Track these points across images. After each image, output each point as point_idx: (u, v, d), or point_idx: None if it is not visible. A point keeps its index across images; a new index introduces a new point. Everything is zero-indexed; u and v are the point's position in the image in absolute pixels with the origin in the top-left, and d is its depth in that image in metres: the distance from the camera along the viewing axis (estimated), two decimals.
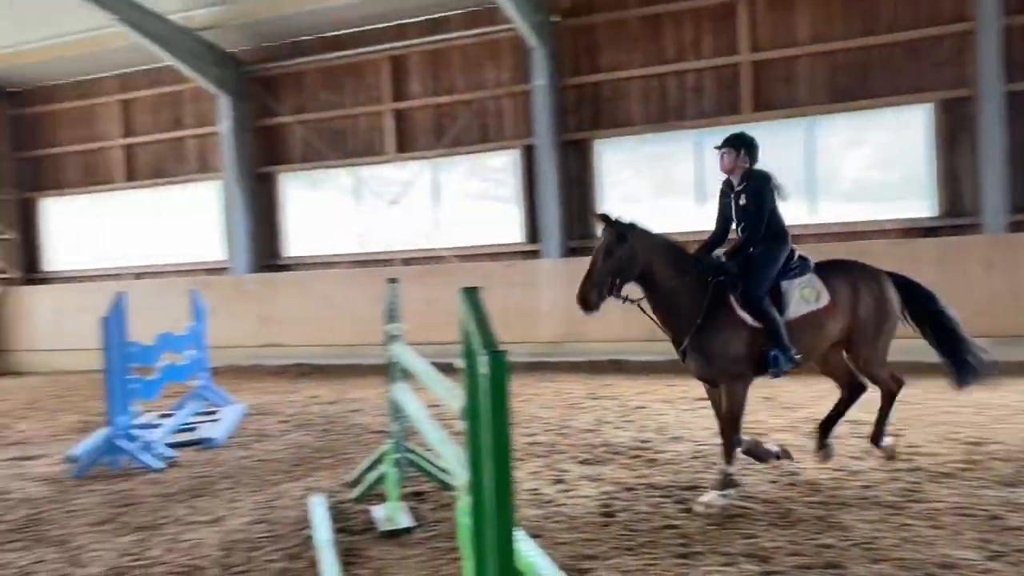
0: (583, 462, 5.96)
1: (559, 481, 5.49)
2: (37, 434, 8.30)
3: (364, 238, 13.83)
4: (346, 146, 13.71)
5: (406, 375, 5.24)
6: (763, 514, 4.63)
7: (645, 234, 5.17)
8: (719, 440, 5.10)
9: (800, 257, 5.35)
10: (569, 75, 12.05)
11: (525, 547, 3.56)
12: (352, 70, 13.60)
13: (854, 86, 10.72)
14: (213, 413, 8.49)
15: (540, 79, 11.81)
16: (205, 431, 7.63)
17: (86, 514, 5.37)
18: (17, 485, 6.21)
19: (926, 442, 6.03)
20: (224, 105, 13.83)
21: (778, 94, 11.09)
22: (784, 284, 5.21)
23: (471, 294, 2.80)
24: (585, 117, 12.12)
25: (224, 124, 13.90)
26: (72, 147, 15.81)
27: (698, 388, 8.56)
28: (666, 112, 11.71)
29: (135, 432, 6.73)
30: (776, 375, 5.07)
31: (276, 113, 14.09)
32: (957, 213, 10.32)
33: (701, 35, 11.46)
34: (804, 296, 5.22)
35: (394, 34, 13.12)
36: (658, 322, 5.19)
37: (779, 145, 11.17)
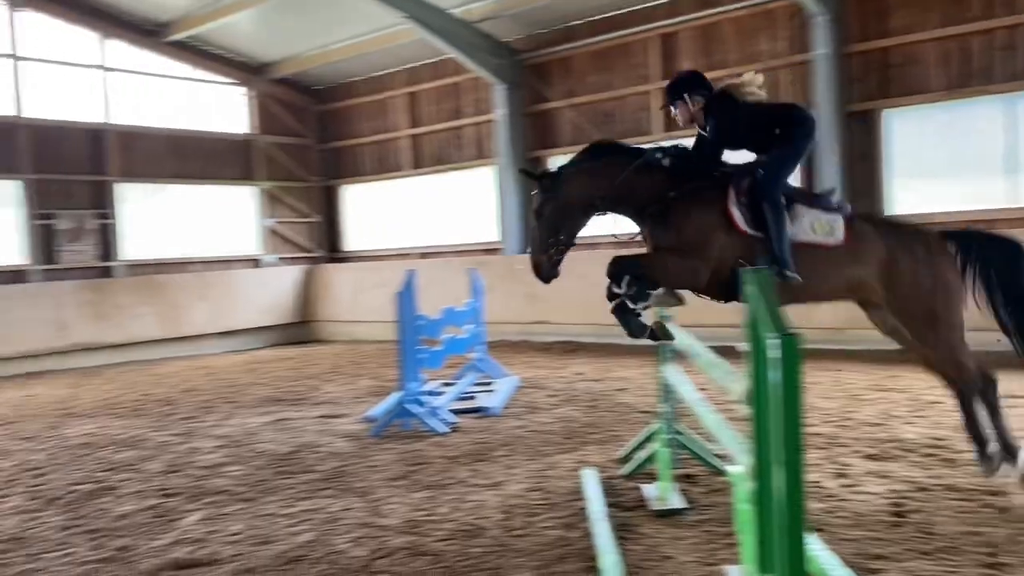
0: (868, 457, 5.57)
1: (842, 475, 5.18)
2: (340, 395, 9.29)
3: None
4: (614, 127, 13.80)
5: (676, 356, 5.21)
6: None
7: (577, 171, 4.77)
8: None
9: (841, 203, 4.71)
10: (854, 41, 11.21)
11: (808, 541, 3.41)
12: (621, 51, 13.65)
13: None
14: (489, 384, 8.99)
15: (822, 47, 11.09)
16: (483, 400, 8.11)
17: (384, 469, 5.93)
18: (326, 439, 7.00)
19: None
20: (499, 93, 14.49)
21: None
22: (800, 207, 4.55)
23: (759, 276, 2.71)
24: (872, 86, 11.22)
25: (499, 112, 14.57)
26: (367, 138, 17.41)
27: (1005, 382, 7.65)
28: (968, 76, 10.50)
29: (423, 398, 7.32)
30: None
31: (547, 99, 14.52)
32: None
33: None
34: (815, 227, 4.54)
35: (665, 11, 12.97)
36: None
37: None
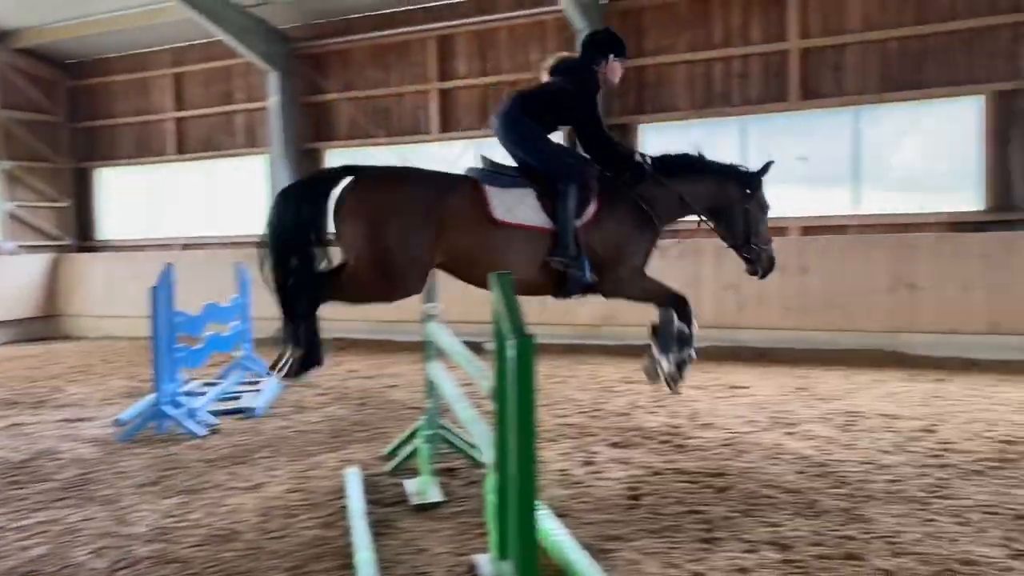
0: (613, 445, 6.04)
1: (589, 463, 5.58)
2: (88, 397, 8.61)
3: None
4: (391, 124, 13.85)
5: (441, 354, 5.37)
6: (788, 503, 4.67)
7: None
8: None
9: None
10: None
11: (551, 526, 3.67)
12: (399, 48, 13.70)
13: (905, 76, 10.53)
14: (255, 383, 8.72)
15: None
16: (247, 401, 7.86)
17: (132, 476, 5.60)
18: (68, 446, 6.48)
19: (960, 439, 5.98)
20: (273, 81, 14.04)
21: (827, 83, 10.94)
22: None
23: (503, 279, 2.89)
24: (629, 101, 12.08)
25: (272, 100, 14.11)
26: (126, 119, 16.19)
27: (731, 375, 8.57)
28: (711, 98, 11.62)
29: (180, 399, 6.97)
30: None
31: (323, 90, 14.27)
32: (1006, 208, 10.12)
33: (750, 20, 11.34)
34: None
35: (442, 13, 13.18)
36: None
37: (826, 135, 11.06)
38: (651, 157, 5.23)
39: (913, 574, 3.71)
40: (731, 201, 5.23)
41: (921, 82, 10.44)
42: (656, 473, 5.32)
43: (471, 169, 5.04)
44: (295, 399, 8.14)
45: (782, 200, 11.18)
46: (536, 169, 4.95)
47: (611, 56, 5.05)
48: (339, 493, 5.03)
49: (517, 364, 2.55)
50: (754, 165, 5.48)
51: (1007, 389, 7.68)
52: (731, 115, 11.49)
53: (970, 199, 10.40)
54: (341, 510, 4.71)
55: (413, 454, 5.45)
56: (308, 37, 14.16)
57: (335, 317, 12.90)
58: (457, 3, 13.07)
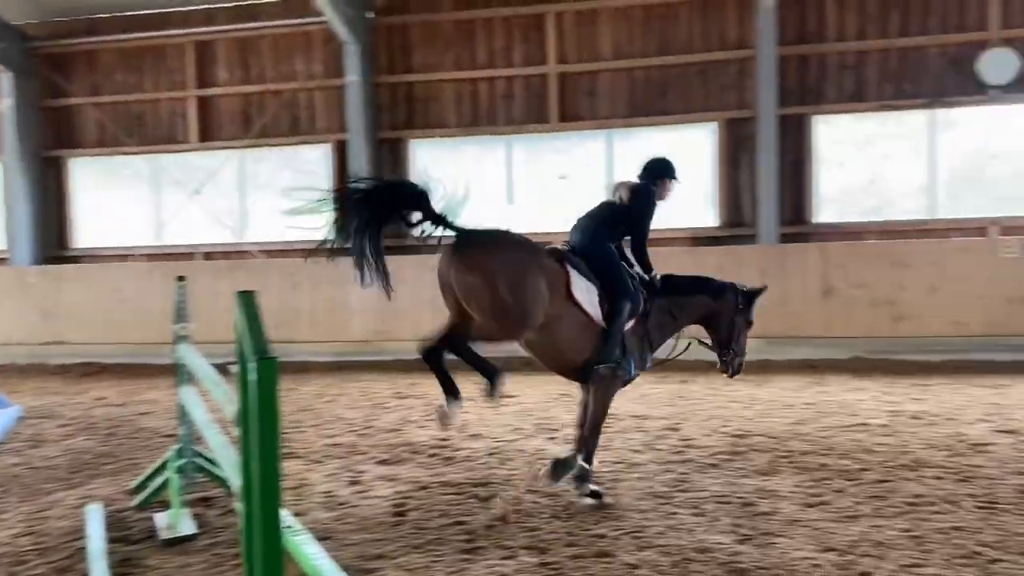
0: (381, 462, 6.01)
1: (355, 482, 5.51)
2: None
3: (163, 230, 13.16)
4: (145, 132, 12.97)
5: (193, 378, 5.08)
6: (547, 507, 4.88)
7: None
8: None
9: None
10: (383, 73, 12.04)
11: (311, 550, 3.58)
12: (153, 52, 12.88)
13: (650, 102, 11.45)
14: None
15: (353, 75, 11.70)
16: None
17: None
18: None
19: (699, 435, 6.55)
20: (6, 81, 12.69)
21: (582, 106, 11.63)
22: None
23: (246, 298, 2.78)
24: (400, 116, 12.15)
25: (5, 102, 12.75)
26: None
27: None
28: (478, 117, 11.96)
29: None
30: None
31: (67, 93, 13.09)
32: (737, 224, 11.27)
33: (512, 43, 11.81)
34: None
35: (201, 18, 12.56)
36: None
37: (582, 155, 11.73)
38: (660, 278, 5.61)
39: (655, 565, 4.00)
40: (724, 313, 5.69)
41: (664, 108, 11.39)
42: (423, 487, 5.35)
43: (551, 248, 5.27)
44: (31, 432, 7.36)
45: (543, 218, 11.83)
46: (602, 278, 5.25)
47: (665, 178, 5.68)
48: (78, 533, 4.60)
49: (259, 387, 2.46)
50: (751, 285, 5.91)
51: (740, 387, 8.51)
52: (497, 134, 11.88)
53: (707, 216, 11.47)
54: (79, 552, 4.31)
55: (164, 485, 5.11)
56: (48, 36, 12.95)
57: (78, 341, 11.93)
58: (216, 9, 12.51)
